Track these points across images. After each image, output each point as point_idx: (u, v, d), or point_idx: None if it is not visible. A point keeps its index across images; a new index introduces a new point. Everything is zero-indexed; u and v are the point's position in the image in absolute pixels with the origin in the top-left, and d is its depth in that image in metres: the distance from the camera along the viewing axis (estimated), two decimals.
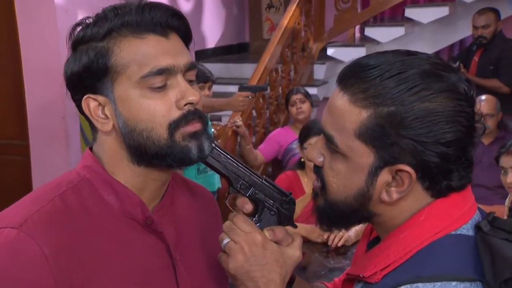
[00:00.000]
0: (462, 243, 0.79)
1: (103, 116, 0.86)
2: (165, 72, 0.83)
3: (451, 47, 5.47)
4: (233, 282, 0.90)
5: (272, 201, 0.95)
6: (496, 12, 4.07)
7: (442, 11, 4.65)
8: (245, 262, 0.87)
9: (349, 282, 0.91)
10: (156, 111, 0.83)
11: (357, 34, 5.56)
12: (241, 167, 0.93)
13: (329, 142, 0.83)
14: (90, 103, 0.85)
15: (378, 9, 4.92)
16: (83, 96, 0.86)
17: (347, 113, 0.80)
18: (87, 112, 0.86)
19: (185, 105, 0.84)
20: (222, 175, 0.93)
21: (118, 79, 0.83)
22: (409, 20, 4.86)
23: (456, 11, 4.75)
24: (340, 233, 2.37)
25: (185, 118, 0.84)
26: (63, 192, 0.85)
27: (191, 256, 0.95)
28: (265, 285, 0.87)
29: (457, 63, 4.07)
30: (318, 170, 0.87)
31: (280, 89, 4.41)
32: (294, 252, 0.92)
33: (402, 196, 0.80)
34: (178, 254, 0.92)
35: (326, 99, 5.10)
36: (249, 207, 0.93)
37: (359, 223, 0.89)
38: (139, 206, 0.88)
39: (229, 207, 0.96)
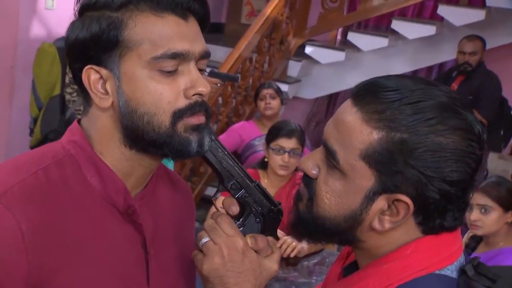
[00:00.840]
0: (445, 284, 0.80)
1: (102, 91, 0.84)
2: (179, 57, 0.82)
3: (430, 69, 5.57)
4: (204, 284, 0.90)
5: (259, 208, 0.95)
6: (483, 41, 4.17)
7: (429, 30, 4.71)
8: (221, 266, 0.87)
9: None
10: (163, 96, 0.82)
11: (339, 37, 5.55)
12: (236, 166, 0.93)
13: (330, 157, 0.83)
14: (91, 75, 0.83)
15: (364, 15, 4.96)
16: (83, 66, 0.83)
17: (357, 131, 0.80)
18: (86, 84, 0.84)
19: (193, 95, 0.83)
20: (215, 171, 0.93)
21: (128, 55, 0.81)
22: (394, 32, 4.90)
23: (442, 32, 4.82)
24: (294, 243, 2.35)
25: (191, 109, 0.83)
26: (47, 166, 0.83)
27: (164, 252, 0.94)
28: None
29: None
30: (309, 180, 0.87)
31: (251, 80, 4.35)
32: (272, 264, 0.92)
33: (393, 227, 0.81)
34: (153, 249, 0.91)
35: (296, 98, 5.11)
36: (235, 209, 0.93)
37: (338, 244, 0.90)
38: (123, 193, 0.87)
39: (214, 205, 0.97)
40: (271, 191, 2.64)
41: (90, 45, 0.81)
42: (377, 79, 0.83)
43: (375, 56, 4.93)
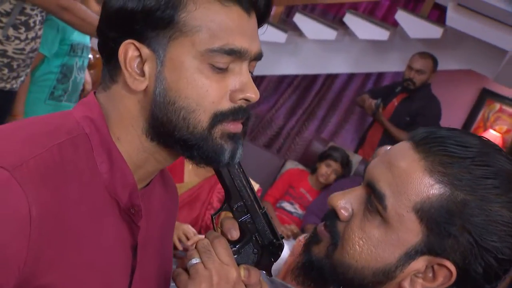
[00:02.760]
0: None
1: (138, 71, 0.83)
2: (236, 54, 0.83)
3: (368, 76, 5.73)
4: None
5: (260, 238, 0.96)
6: (435, 62, 4.34)
7: (381, 34, 4.85)
8: None
9: None
10: (208, 93, 0.82)
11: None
12: (248, 187, 0.95)
13: (377, 201, 0.84)
14: (130, 51, 0.83)
15: None
16: (121, 38, 0.83)
17: (417, 181, 0.82)
18: (121, 59, 0.83)
19: (240, 99, 0.85)
20: (224, 187, 0.95)
21: (179, 39, 0.82)
22: (344, 26, 4.98)
23: (394, 40, 4.99)
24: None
25: (234, 114, 0.85)
26: (62, 143, 0.82)
27: (148, 262, 0.95)
28: None
29: (379, 101, 4.26)
30: (333, 221, 0.88)
31: None
32: None
33: None
34: (139, 256, 0.92)
35: None
36: (236, 234, 0.94)
37: None
38: (130, 189, 0.87)
39: (213, 223, 0.99)
40: (195, 180, 2.63)
41: (139, 18, 0.80)
42: (445, 130, 0.85)
43: (318, 47, 5.00)
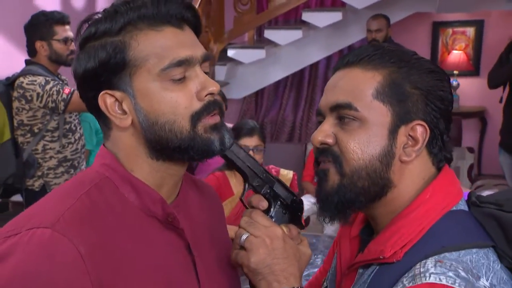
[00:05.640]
0: (466, 217, 0.89)
1: (120, 112, 0.85)
2: (185, 63, 0.84)
3: (341, 52, 5.80)
4: (252, 278, 0.91)
5: (284, 200, 0.98)
6: (387, 18, 4.46)
7: (335, 16, 4.95)
8: (268, 255, 0.89)
9: (352, 271, 0.94)
10: (178, 103, 0.84)
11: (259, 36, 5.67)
12: (257, 164, 0.97)
13: (348, 109, 0.89)
14: (107, 99, 0.85)
15: (274, 13, 5.10)
16: (97, 93, 0.85)
17: (362, 79, 0.89)
18: (103, 109, 0.85)
19: (205, 95, 0.86)
20: (239, 171, 0.96)
21: (137, 72, 0.83)
22: (306, 23, 5.09)
23: (347, 16, 5.08)
24: None
25: (207, 109, 0.86)
26: (88, 190, 0.84)
27: (206, 255, 0.96)
28: (286, 278, 0.89)
29: None
30: (326, 152, 0.91)
31: None
32: (306, 250, 0.97)
33: (415, 158, 0.89)
34: (196, 251, 0.93)
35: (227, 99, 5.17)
36: (265, 204, 0.96)
37: (371, 202, 0.91)
38: (159, 203, 0.88)
39: (244, 203, 0.99)
40: (240, 189, 2.70)
41: (100, 72, 0.83)
42: (350, 52, 0.93)
43: (293, 48, 5.11)
